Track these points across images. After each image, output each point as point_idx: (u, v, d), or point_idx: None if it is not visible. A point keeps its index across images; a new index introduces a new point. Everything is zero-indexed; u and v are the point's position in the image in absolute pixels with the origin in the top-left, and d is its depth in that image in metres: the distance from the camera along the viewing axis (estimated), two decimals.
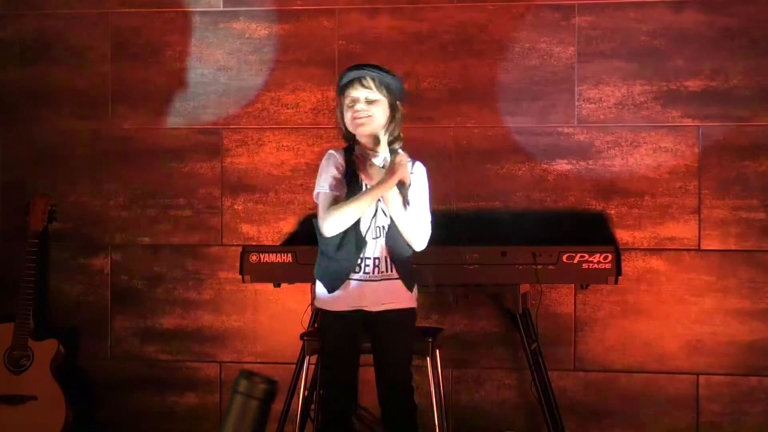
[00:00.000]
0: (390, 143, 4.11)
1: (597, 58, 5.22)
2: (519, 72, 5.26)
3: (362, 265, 4.01)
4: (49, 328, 5.42)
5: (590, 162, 5.21)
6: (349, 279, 4.01)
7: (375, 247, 4.02)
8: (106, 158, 5.54)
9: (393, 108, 4.09)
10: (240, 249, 5.06)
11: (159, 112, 5.50)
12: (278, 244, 5.37)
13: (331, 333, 4.07)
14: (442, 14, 5.32)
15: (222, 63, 5.46)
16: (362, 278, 4.01)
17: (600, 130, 5.21)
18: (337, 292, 4.01)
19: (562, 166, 5.23)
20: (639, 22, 5.18)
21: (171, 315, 5.49)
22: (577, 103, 5.23)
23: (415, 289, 4.11)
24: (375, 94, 4.05)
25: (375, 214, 4.02)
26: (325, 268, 4.03)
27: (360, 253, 4.00)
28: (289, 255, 4.93)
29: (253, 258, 4.96)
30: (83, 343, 5.52)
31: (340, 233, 3.97)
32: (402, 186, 4.03)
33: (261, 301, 5.41)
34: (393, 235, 4.03)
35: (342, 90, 4.10)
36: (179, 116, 5.49)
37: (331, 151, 4.09)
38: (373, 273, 4.02)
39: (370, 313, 4.02)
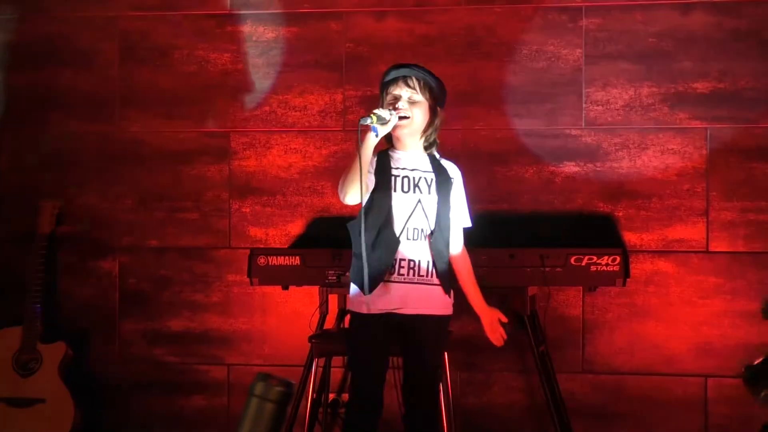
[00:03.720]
0: (425, 148, 4.11)
1: (604, 60, 5.21)
2: (527, 74, 5.26)
3: (396, 267, 3.99)
4: (57, 331, 5.43)
5: (598, 164, 5.21)
6: (384, 281, 3.98)
7: (412, 249, 4.00)
8: (114, 161, 5.55)
9: (433, 112, 4.08)
10: (248, 252, 5.06)
11: (167, 115, 5.51)
12: (286, 246, 5.37)
13: (361, 336, 4.04)
14: (450, 17, 5.32)
15: (229, 66, 5.47)
16: (397, 280, 3.99)
17: (608, 132, 5.21)
18: (371, 294, 3.96)
19: (570, 168, 5.23)
20: (646, 24, 5.18)
21: (179, 317, 5.50)
22: (584, 106, 5.23)
23: (451, 295, 4.10)
24: (418, 95, 4.04)
25: (411, 216, 4.01)
26: (360, 269, 3.97)
27: (393, 254, 3.97)
28: (297, 258, 4.94)
29: (261, 261, 4.97)
30: (91, 345, 5.53)
31: (372, 234, 3.96)
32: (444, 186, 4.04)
33: (269, 304, 5.42)
34: (437, 239, 4.02)
35: (385, 86, 4.08)
36: (187, 119, 5.50)
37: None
38: (408, 275, 4.00)
39: (403, 316, 4.01)
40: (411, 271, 4.01)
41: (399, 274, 4.00)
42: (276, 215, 5.43)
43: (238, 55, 5.46)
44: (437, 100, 4.09)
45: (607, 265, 4.77)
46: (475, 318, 5.24)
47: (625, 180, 5.19)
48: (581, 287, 5.14)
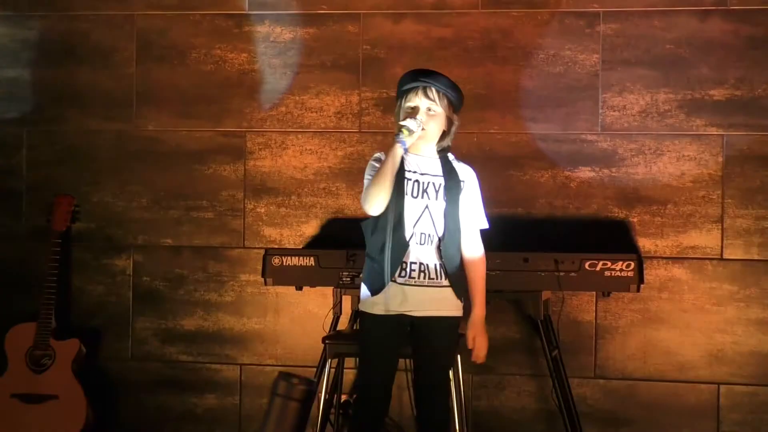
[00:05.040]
0: (439, 151, 4.13)
1: (621, 65, 5.21)
2: (543, 79, 5.26)
3: (407, 270, 4.01)
4: (70, 328, 5.45)
5: (613, 170, 5.21)
6: (394, 282, 4.00)
7: (423, 253, 4.02)
8: (130, 159, 5.56)
9: (449, 120, 4.09)
10: (262, 252, 5.07)
11: (183, 114, 5.53)
12: (300, 247, 5.38)
13: (372, 336, 4.07)
14: (467, 20, 5.32)
15: (246, 66, 5.48)
16: (406, 282, 4.01)
17: (623, 137, 5.21)
18: (379, 295, 4.00)
19: (585, 173, 5.23)
20: (664, 30, 5.18)
21: (192, 316, 5.51)
22: (600, 111, 5.23)
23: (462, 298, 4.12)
24: (437, 106, 4.05)
25: (418, 220, 4.02)
26: (370, 270, 4.04)
27: (402, 257, 3.99)
28: (312, 258, 4.94)
29: (276, 261, 4.97)
30: (104, 343, 5.54)
31: (382, 235, 3.97)
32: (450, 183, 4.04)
33: (282, 304, 5.42)
34: (447, 244, 4.04)
35: (404, 93, 4.08)
36: (203, 118, 5.51)
37: (375, 155, 4.11)
38: (419, 278, 4.02)
39: (413, 317, 4.03)
40: (422, 274, 4.03)
41: (410, 276, 4.02)
42: (290, 216, 5.44)
43: (255, 56, 5.47)
44: (452, 108, 4.10)
45: (621, 270, 4.77)
46: (487, 321, 5.26)
47: (641, 186, 5.19)
48: (595, 292, 5.14)
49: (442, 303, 4.04)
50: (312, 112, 5.44)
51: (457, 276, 4.06)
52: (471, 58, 5.31)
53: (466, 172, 4.16)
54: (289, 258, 4.98)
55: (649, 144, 5.19)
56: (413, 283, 4.01)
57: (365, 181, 4.04)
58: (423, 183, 4.06)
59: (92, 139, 5.58)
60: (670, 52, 5.18)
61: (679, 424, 5.15)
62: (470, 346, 4.12)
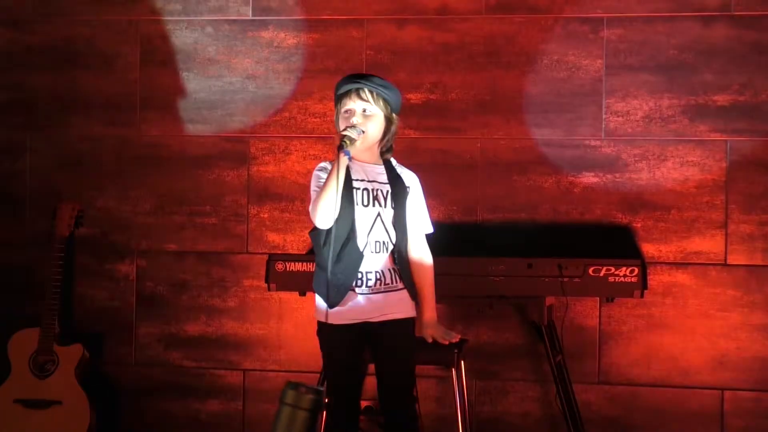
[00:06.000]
0: (382, 154, 4.11)
1: (625, 71, 5.21)
2: (547, 84, 5.26)
3: (363, 279, 3.99)
4: (74, 333, 5.45)
5: (617, 175, 5.20)
6: (353, 292, 3.98)
7: (377, 262, 4.01)
8: (134, 165, 5.57)
9: (388, 120, 4.08)
10: (265, 257, 5.06)
11: (187, 120, 5.53)
12: (304, 253, 5.38)
13: (335, 346, 4.03)
14: (471, 25, 5.33)
15: (250, 71, 5.48)
16: (365, 292, 3.98)
17: (627, 143, 5.21)
18: (339, 307, 3.97)
19: (589, 178, 5.23)
20: (668, 35, 5.18)
21: (195, 322, 5.51)
22: (604, 116, 5.23)
23: None
24: (372, 107, 4.02)
25: (371, 230, 4.00)
26: (323, 281, 3.97)
27: (358, 268, 3.97)
28: (315, 264, 4.92)
29: (279, 266, 4.97)
30: (108, 348, 5.55)
31: (336, 246, 3.93)
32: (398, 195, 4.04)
33: (285, 310, 5.43)
34: (401, 249, 4.05)
35: (339, 99, 4.07)
36: (207, 124, 5.51)
37: (320, 164, 4.07)
38: (375, 285, 4.00)
39: (372, 324, 4.01)
40: (378, 282, 4.01)
41: (367, 286, 4.00)
42: (294, 221, 5.44)
43: (258, 61, 5.48)
44: (391, 108, 4.07)
45: (625, 276, 4.77)
46: (491, 326, 5.28)
47: (644, 191, 5.18)
48: (598, 298, 5.14)
49: (399, 306, 4.03)
50: (315, 118, 5.44)
51: (409, 279, 4.08)
52: (475, 64, 5.32)
53: (410, 178, 4.14)
54: (292, 263, 4.97)
55: (652, 149, 5.18)
56: (369, 291, 3.98)
57: (312, 193, 4.00)
58: (372, 191, 4.04)
59: (96, 144, 5.59)
60: (673, 57, 5.18)
61: (683, 429, 5.14)
62: (431, 341, 4.15)
